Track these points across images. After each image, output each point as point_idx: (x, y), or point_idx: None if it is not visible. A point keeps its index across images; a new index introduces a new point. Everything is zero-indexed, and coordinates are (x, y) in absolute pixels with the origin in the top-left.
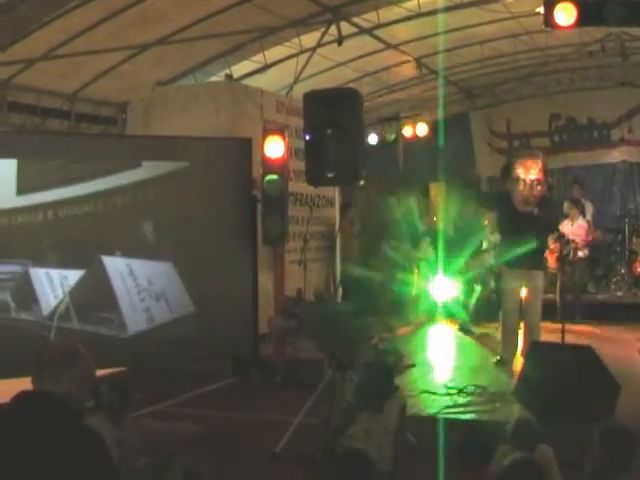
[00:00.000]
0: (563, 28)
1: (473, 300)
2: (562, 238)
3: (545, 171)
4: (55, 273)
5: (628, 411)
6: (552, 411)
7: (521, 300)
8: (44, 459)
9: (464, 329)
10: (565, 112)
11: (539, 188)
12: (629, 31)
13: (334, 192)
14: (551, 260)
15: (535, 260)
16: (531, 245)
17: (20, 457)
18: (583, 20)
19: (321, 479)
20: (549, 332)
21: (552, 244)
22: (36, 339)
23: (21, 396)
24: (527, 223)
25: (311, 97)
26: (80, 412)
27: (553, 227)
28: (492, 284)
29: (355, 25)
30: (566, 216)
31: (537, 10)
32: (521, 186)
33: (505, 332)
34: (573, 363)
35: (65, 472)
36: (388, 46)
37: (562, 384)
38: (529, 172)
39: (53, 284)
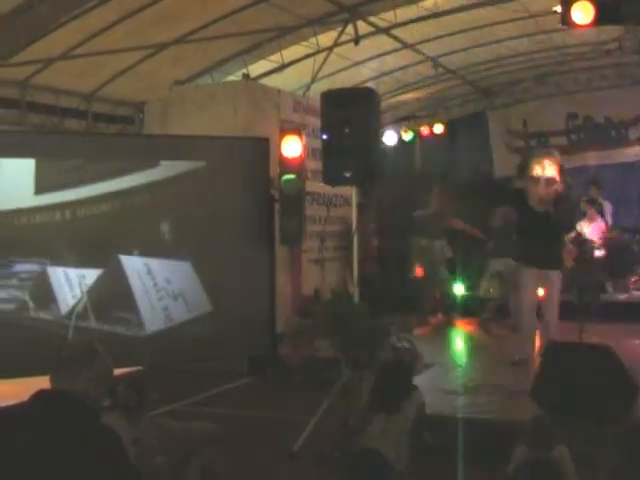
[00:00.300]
0: (580, 27)
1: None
2: (579, 237)
3: (562, 170)
4: (73, 272)
5: None
6: (569, 411)
7: (538, 300)
8: (62, 458)
9: (484, 328)
10: (582, 111)
11: (555, 187)
12: None
13: (351, 191)
14: (568, 259)
15: (552, 260)
16: (547, 244)
17: (38, 456)
18: (601, 18)
19: (338, 478)
20: (566, 332)
21: (569, 243)
22: (54, 338)
23: (39, 395)
24: (543, 222)
25: (328, 96)
26: (97, 411)
27: (569, 226)
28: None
29: (372, 24)
30: (584, 215)
31: (554, 9)
32: (537, 185)
33: (522, 332)
34: (591, 363)
35: (83, 471)
36: (405, 45)
37: (579, 384)
38: (545, 171)
39: (71, 283)
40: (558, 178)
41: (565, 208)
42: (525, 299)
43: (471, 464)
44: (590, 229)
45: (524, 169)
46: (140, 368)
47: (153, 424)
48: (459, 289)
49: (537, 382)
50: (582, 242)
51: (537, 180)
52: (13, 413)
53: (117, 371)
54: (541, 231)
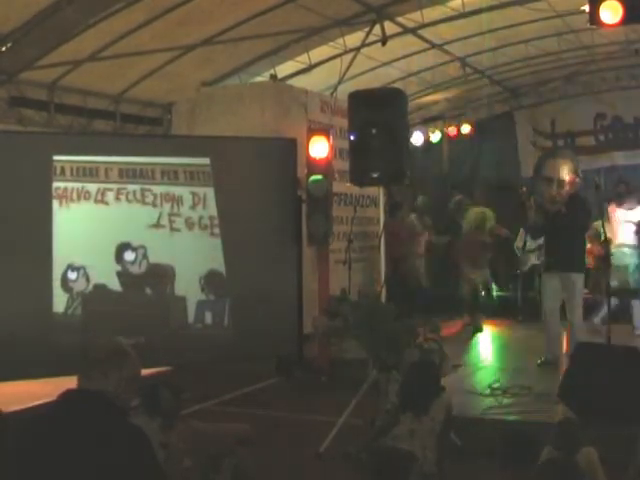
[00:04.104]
0: (609, 26)
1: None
2: (600, 237)
3: (576, 171)
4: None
5: None
6: (597, 412)
7: (562, 301)
8: (90, 457)
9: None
10: (611, 111)
11: (567, 188)
12: None
13: (379, 192)
14: (590, 260)
15: (571, 261)
16: (564, 245)
17: (66, 455)
18: (629, 18)
19: (365, 479)
20: (593, 333)
21: (589, 244)
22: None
23: (67, 395)
24: (555, 222)
25: (356, 97)
26: (126, 411)
27: (584, 227)
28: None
29: (399, 25)
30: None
31: (582, 8)
32: (549, 185)
33: (547, 333)
34: (619, 364)
35: (111, 471)
36: (432, 46)
37: (608, 385)
38: (558, 172)
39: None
40: (571, 178)
41: (578, 208)
42: (547, 301)
43: (498, 466)
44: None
45: (538, 169)
46: (169, 368)
47: (184, 426)
48: (486, 289)
49: (565, 383)
50: (604, 242)
51: (550, 180)
52: (42, 413)
53: (146, 371)
54: (555, 232)
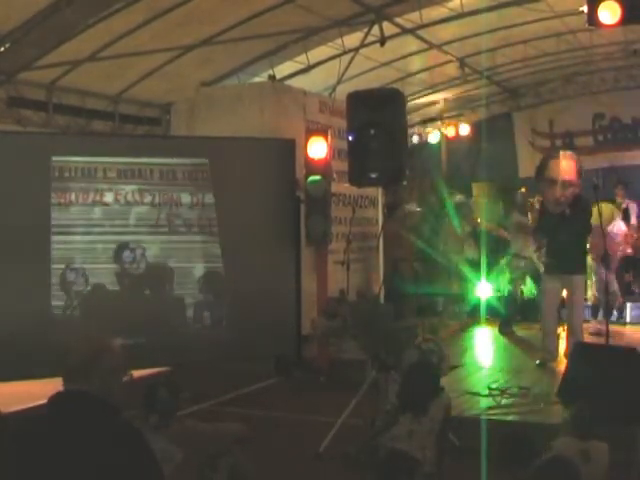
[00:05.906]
0: (607, 26)
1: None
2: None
3: (580, 172)
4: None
5: None
6: (597, 412)
7: (562, 301)
8: (89, 457)
9: (505, 330)
10: (609, 111)
11: (571, 189)
12: None
13: (377, 192)
14: (590, 260)
15: (573, 264)
16: (566, 246)
17: (66, 456)
18: (627, 18)
19: (365, 479)
20: (592, 333)
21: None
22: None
23: (57, 397)
24: (559, 224)
25: (354, 97)
26: (118, 407)
27: (587, 228)
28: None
29: (398, 25)
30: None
31: (581, 8)
32: (553, 187)
33: (545, 333)
34: (617, 364)
35: (111, 470)
36: (431, 46)
37: (607, 386)
38: (561, 173)
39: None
40: (576, 180)
41: (583, 210)
42: (546, 301)
43: (496, 466)
44: (609, 230)
45: (542, 170)
46: (168, 368)
47: (180, 426)
48: (484, 290)
49: (564, 383)
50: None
51: (554, 182)
52: (41, 413)
53: (147, 371)
54: (558, 233)
